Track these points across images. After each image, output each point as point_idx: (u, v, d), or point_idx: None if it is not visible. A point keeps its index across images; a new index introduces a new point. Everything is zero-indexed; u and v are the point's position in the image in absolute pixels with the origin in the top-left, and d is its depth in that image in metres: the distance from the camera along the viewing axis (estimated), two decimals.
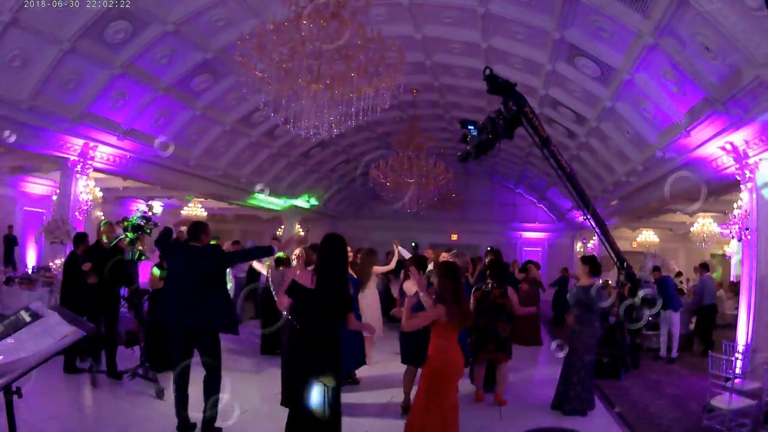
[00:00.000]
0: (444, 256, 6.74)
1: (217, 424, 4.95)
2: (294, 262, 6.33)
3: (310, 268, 4.75)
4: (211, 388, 4.88)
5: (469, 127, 6.54)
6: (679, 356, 9.92)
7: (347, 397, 6.14)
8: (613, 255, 8.41)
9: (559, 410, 6.24)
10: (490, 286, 6.63)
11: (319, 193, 19.62)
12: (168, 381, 5.42)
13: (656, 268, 10.89)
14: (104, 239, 7.03)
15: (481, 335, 6.50)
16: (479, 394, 6.62)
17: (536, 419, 5.95)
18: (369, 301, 7.98)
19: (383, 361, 8.31)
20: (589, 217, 7.82)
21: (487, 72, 6.43)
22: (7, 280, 9.80)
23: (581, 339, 6.22)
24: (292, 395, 4.05)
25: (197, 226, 5.22)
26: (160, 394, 5.90)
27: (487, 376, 6.85)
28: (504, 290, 6.58)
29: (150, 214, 7.38)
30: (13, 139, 8.39)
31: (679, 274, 15.48)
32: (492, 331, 6.47)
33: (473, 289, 6.71)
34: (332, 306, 4.01)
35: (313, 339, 3.99)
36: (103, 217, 12.62)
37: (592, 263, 6.54)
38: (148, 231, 7.19)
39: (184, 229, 6.64)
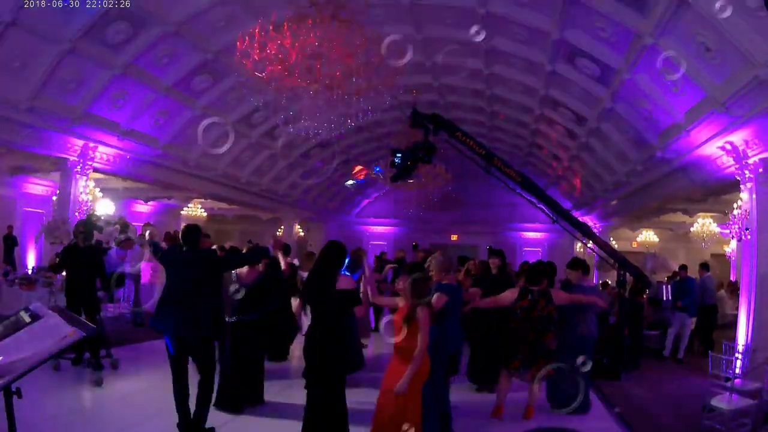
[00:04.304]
0: (420, 257, 6.80)
1: (220, 425, 4.95)
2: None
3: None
4: (204, 395, 4.79)
5: (398, 154, 7.57)
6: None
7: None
8: (605, 254, 8.40)
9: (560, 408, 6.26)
10: (536, 294, 5.83)
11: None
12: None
13: (683, 267, 10.64)
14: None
15: (532, 351, 5.75)
16: (500, 408, 5.88)
17: (536, 419, 5.94)
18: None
19: (380, 363, 8.30)
20: (556, 218, 7.90)
21: (411, 110, 7.29)
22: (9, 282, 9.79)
23: (568, 340, 6.26)
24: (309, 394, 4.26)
25: (191, 233, 4.92)
26: (99, 383, 6.14)
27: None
28: (549, 298, 5.84)
29: (93, 212, 7.61)
30: None
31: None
32: (541, 345, 5.77)
33: (517, 298, 5.89)
34: (319, 301, 4.22)
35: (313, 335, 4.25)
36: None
37: (582, 266, 6.73)
38: (98, 227, 7.37)
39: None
